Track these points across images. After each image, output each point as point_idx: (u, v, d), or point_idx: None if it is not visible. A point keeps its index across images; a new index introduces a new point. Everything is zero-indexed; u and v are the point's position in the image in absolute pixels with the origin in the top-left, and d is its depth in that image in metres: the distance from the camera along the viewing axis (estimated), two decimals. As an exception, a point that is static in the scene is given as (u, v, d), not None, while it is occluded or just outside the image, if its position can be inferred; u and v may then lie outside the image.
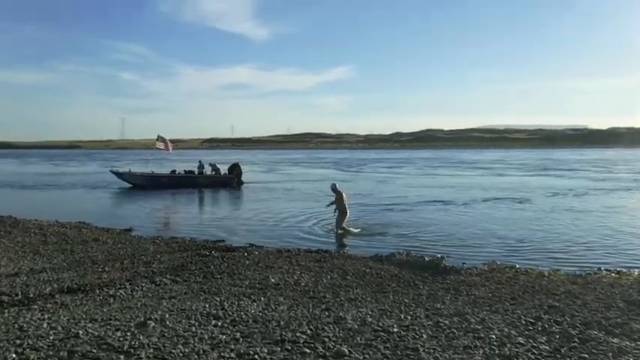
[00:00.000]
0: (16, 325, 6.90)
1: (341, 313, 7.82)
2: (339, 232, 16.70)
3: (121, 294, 8.73)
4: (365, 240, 15.81)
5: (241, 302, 8.39)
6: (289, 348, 6.29)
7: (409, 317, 7.68)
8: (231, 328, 7.04)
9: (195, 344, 6.35)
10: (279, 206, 24.75)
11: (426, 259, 12.34)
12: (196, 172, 37.97)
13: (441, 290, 9.49)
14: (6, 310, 7.64)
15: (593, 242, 15.41)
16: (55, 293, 8.70)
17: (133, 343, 6.31)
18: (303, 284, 9.78)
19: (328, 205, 17.61)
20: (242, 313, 7.75)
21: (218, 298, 8.58)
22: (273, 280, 9.99)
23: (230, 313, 7.73)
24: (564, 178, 46.27)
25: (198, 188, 35.05)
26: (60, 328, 6.82)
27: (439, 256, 12.87)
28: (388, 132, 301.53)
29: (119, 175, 36.86)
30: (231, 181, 37.59)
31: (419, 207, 24.64)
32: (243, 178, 38.81)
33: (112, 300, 8.40)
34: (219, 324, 7.19)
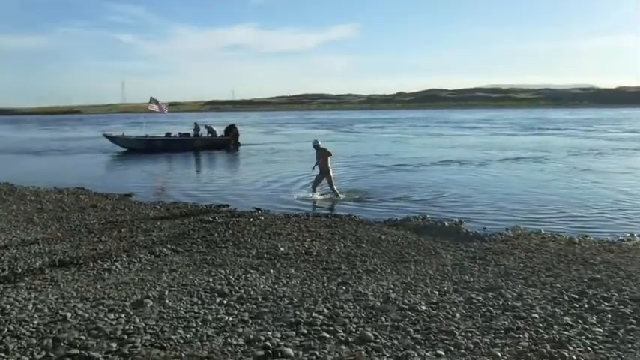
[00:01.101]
0: (-4, 307, 6.14)
1: (360, 288, 7.04)
2: (314, 195, 15.71)
3: (117, 267, 7.95)
4: (376, 204, 14.95)
5: (248, 275, 7.62)
6: (305, 332, 5.51)
7: (437, 292, 6.88)
8: (238, 306, 6.27)
9: (198, 328, 5.58)
10: (279, 169, 23.81)
11: (446, 224, 11.52)
12: (192, 135, 36.93)
13: (466, 259, 8.69)
14: (-12, 289, 6.87)
15: (617, 205, 14.51)
16: (46, 267, 7.93)
17: (127, 327, 5.55)
18: (314, 253, 9.00)
19: (314, 167, 16.07)
20: (250, 288, 6.97)
21: (223, 271, 7.80)
22: (282, 249, 9.20)
23: (237, 288, 6.95)
24: (580, 137, 45.11)
25: (194, 151, 34.10)
26: (47, 310, 6.05)
27: (457, 220, 12.08)
28: (390, 92, 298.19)
29: (112, 139, 35.75)
30: (227, 143, 36.61)
31: (423, 169, 23.77)
32: (240, 139, 37.80)
33: (106, 274, 7.63)
34: (225, 302, 6.42)
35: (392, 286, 7.16)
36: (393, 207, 14.49)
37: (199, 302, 6.38)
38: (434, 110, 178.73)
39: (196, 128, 37.35)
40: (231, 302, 6.41)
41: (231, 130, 37.71)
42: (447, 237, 10.46)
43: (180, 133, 36.80)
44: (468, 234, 10.70)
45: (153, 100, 34.23)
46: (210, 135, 37.10)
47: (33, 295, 6.58)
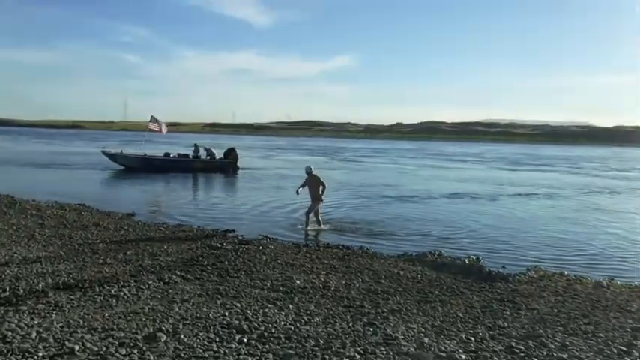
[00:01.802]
0: (-3, 335, 5.59)
1: (389, 330, 6.51)
2: (306, 225, 14.93)
3: (125, 294, 7.40)
4: (386, 236, 14.45)
5: (266, 310, 7.08)
6: (339, 380, 4.98)
7: (472, 339, 6.36)
8: (260, 346, 5.73)
9: (220, 370, 5.05)
10: (281, 194, 23.10)
11: (466, 261, 11.03)
12: (191, 157, 36.34)
13: (494, 302, 8.17)
14: (-13, 312, 6.31)
15: (636, 246, 14.10)
16: (49, 290, 7.37)
17: (141, 366, 5.01)
18: (333, 288, 8.47)
19: (299, 190, 15.14)
20: (270, 325, 6.43)
21: (238, 304, 7.26)
22: (298, 282, 8.67)
23: (256, 324, 6.41)
24: (588, 176, 44.85)
25: (192, 172, 33.42)
26: (52, 340, 5.50)
27: (474, 257, 11.59)
28: (389, 123, 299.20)
29: (111, 156, 34.81)
30: (227, 167, 35.93)
31: (432, 201, 23.34)
32: (239, 163, 37.25)
33: (114, 301, 7.08)
34: (245, 340, 5.88)
35: (422, 330, 6.63)
36: (404, 240, 14.05)
37: (217, 339, 5.84)
38: (432, 142, 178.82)
39: (196, 150, 36.73)
40: (252, 340, 5.87)
41: (231, 154, 37.08)
42: (469, 275, 9.95)
43: (179, 154, 36.11)
44: (491, 273, 10.20)
45: (153, 119, 33.72)
46: (209, 157, 36.53)
47: (36, 322, 6.03)
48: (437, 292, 8.56)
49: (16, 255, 9.46)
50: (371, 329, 6.53)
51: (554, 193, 28.47)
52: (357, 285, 8.78)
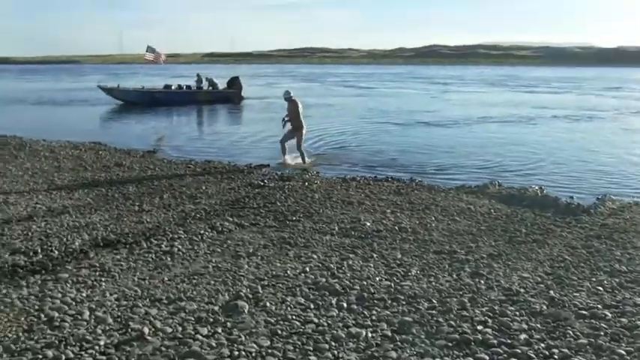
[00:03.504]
0: (42, 317, 4.46)
1: (502, 281, 5.43)
2: (283, 154, 13.46)
3: (179, 249, 6.27)
4: (421, 167, 13.28)
5: (350, 262, 5.98)
6: (487, 358, 3.91)
7: (601, 289, 5.30)
8: (366, 312, 4.66)
9: (334, 351, 3.97)
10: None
11: (539, 193, 9.89)
12: (194, 87, 34.40)
13: (594, 240, 7.08)
14: (23, 283, 5.17)
15: None
16: (88, 248, 6.23)
17: (234, 352, 3.92)
18: (410, 230, 7.36)
19: (285, 122, 13.44)
20: (364, 282, 5.35)
21: (315, 256, 6.16)
22: (368, 224, 7.56)
23: (348, 282, 5.32)
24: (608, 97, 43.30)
25: (196, 104, 31.56)
26: (111, 320, 4.40)
27: (536, 187, 10.43)
28: (392, 48, 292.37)
29: (108, 90, 32.32)
30: (233, 97, 33.99)
31: (463, 126, 22.05)
32: (243, 93, 35.27)
33: (169, 259, 5.95)
34: (345, 305, 4.80)
35: (538, 279, 5.55)
36: (446, 170, 12.92)
37: (311, 306, 4.75)
38: (438, 67, 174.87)
39: (199, 80, 34.76)
40: (353, 305, 4.79)
41: (235, 83, 35.19)
42: (545, 209, 8.81)
43: (179, 85, 34.14)
44: (570, 206, 9.04)
45: (150, 49, 31.48)
46: (211, 88, 34.71)
47: (85, 295, 4.91)
48: (524, 231, 7.46)
49: (38, 206, 8.28)
50: (482, 281, 5.45)
51: (592, 115, 26.89)
52: (434, 225, 7.68)
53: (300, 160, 13.21)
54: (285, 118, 13.27)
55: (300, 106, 13.12)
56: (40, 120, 24.37)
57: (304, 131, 13.29)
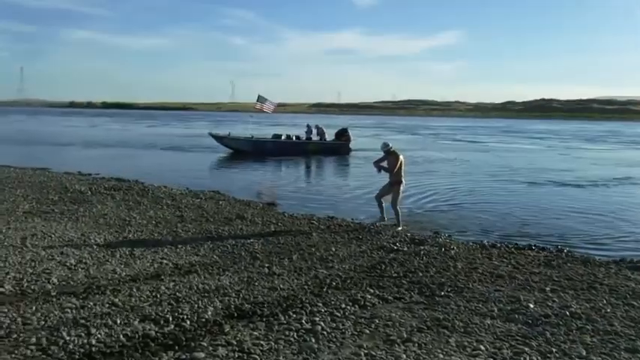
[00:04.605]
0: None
1: None
2: (381, 212, 12.14)
3: (323, 328, 5.46)
4: (558, 233, 11.86)
5: (527, 358, 4.91)
6: None
7: None
8: None
9: None
10: (410, 180, 20.00)
11: None
12: (304, 138, 34.23)
13: None
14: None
15: None
16: (222, 319, 5.57)
17: None
18: (583, 316, 6.15)
19: (380, 167, 12.09)
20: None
21: (483, 347, 5.14)
22: (532, 306, 6.42)
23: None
24: None
25: (305, 155, 31.20)
26: None
27: None
28: (499, 101, 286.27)
29: (219, 138, 32.96)
30: (340, 149, 33.41)
31: (595, 187, 20.15)
32: (351, 145, 34.36)
33: (312, 340, 5.14)
34: None
35: None
36: (601, 239, 11.47)
37: None
38: (553, 121, 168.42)
39: (309, 130, 34.67)
40: None
41: (344, 135, 34.66)
42: None
43: (288, 135, 34.00)
44: None
45: (261, 99, 31.67)
46: (319, 137, 34.34)
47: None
48: None
49: (165, 262, 7.84)
50: None
51: None
52: (609, 310, 6.42)
53: (392, 218, 11.91)
54: (382, 164, 12.02)
55: (401, 159, 11.85)
56: (153, 165, 25.07)
57: (402, 187, 12.01)
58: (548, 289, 7.27)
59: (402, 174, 11.84)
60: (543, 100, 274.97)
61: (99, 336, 5.04)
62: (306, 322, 5.56)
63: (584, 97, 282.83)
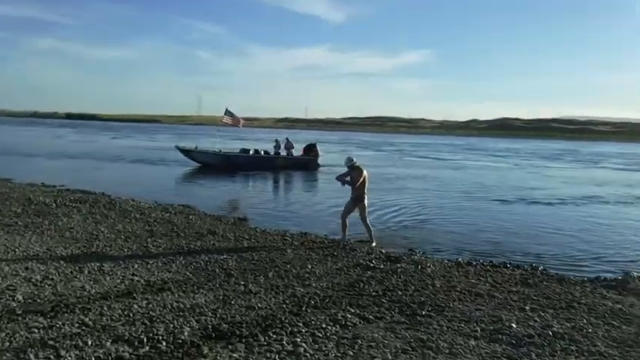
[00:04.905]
0: None
1: None
2: (342, 230, 11.56)
3: (305, 349, 5.27)
4: (530, 251, 11.94)
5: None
6: None
7: None
8: None
9: None
10: (383, 197, 19.65)
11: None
12: (273, 153, 34.10)
13: None
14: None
15: None
16: (199, 340, 5.33)
17: None
18: (565, 336, 6.10)
19: (343, 181, 11.65)
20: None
21: (471, 371, 5.01)
22: (514, 326, 6.35)
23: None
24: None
25: (274, 170, 31.01)
26: None
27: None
28: (463, 119, 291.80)
29: (186, 152, 32.41)
30: (311, 164, 33.22)
31: (565, 205, 20.46)
32: (320, 160, 34.16)
33: (295, 363, 4.95)
34: None
35: None
36: (573, 257, 11.55)
37: None
38: (515, 139, 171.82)
39: (277, 146, 34.55)
40: None
41: (312, 150, 34.59)
42: None
43: (256, 150, 33.72)
44: None
45: (228, 113, 31.26)
46: (286, 151, 34.24)
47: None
48: None
49: (136, 278, 7.55)
50: None
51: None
52: (590, 330, 6.39)
53: (366, 234, 11.68)
54: (346, 179, 11.61)
55: (365, 174, 11.51)
56: (120, 177, 24.58)
57: (366, 202, 11.61)
58: (527, 308, 7.22)
59: (365, 190, 11.48)
60: (506, 118, 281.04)
61: (69, 358, 4.78)
62: (287, 344, 5.37)
63: (546, 117, 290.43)
